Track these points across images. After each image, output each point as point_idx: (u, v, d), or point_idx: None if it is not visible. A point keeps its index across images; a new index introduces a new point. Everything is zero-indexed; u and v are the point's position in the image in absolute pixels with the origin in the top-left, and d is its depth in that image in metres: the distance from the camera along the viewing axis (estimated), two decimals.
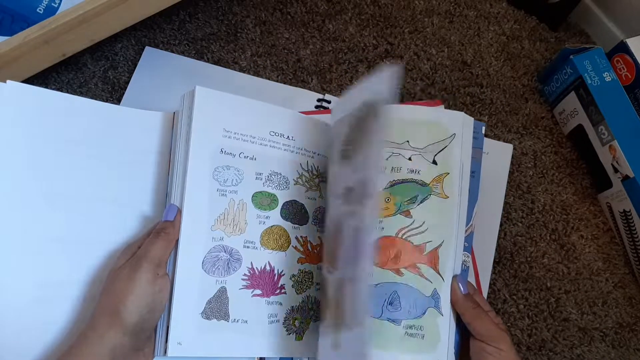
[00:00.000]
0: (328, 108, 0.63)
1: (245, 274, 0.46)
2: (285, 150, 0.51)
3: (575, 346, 0.57)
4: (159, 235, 0.43)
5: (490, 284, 0.58)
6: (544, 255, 0.60)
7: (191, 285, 0.44)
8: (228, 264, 0.46)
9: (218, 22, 0.67)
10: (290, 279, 0.48)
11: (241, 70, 0.65)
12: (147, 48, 0.64)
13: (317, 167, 0.52)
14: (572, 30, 0.71)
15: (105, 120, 0.49)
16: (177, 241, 0.44)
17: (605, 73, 0.59)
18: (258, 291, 0.46)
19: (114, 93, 0.62)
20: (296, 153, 0.51)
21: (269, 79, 0.65)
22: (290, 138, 0.51)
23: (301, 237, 0.49)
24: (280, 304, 0.47)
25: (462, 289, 0.46)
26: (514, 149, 0.63)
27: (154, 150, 0.50)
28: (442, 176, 0.48)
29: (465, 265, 0.49)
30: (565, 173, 0.63)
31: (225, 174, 0.47)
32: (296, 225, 0.49)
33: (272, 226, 0.48)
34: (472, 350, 0.44)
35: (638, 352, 0.57)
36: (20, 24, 0.53)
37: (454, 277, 0.47)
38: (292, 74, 0.65)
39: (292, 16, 0.68)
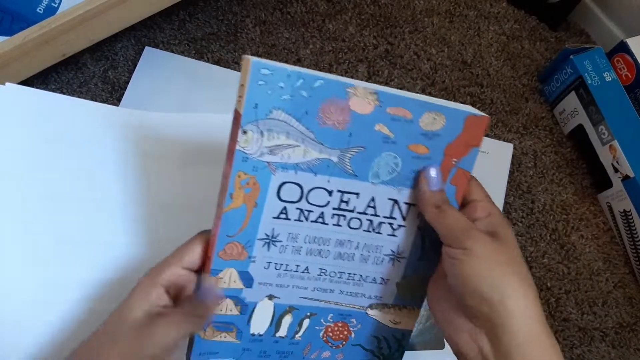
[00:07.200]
0: None
1: None
2: None
3: (575, 346, 0.56)
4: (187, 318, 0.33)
5: None
6: (544, 255, 0.60)
7: None
8: None
9: (218, 22, 0.67)
10: None
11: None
12: (147, 48, 0.64)
13: None
14: (572, 30, 0.71)
15: (104, 122, 0.49)
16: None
17: (606, 73, 0.59)
18: None
19: (113, 93, 0.62)
20: None
21: None
22: None
23: None
24: None
25: (430, 184, 0.34)
26: (514, 148, 0.63)
27: (152, 152, 0.50)
28: None
29: None
30: (565, 173, 0.63)
31: None
32: None
33: None
34: (443, 261, 0.33)
35: (638, 352, 0.57)
36: (20, 24, 0.53)
37: (423, 169, 0.35)
38: None
39: (292, 16, 0.68)
